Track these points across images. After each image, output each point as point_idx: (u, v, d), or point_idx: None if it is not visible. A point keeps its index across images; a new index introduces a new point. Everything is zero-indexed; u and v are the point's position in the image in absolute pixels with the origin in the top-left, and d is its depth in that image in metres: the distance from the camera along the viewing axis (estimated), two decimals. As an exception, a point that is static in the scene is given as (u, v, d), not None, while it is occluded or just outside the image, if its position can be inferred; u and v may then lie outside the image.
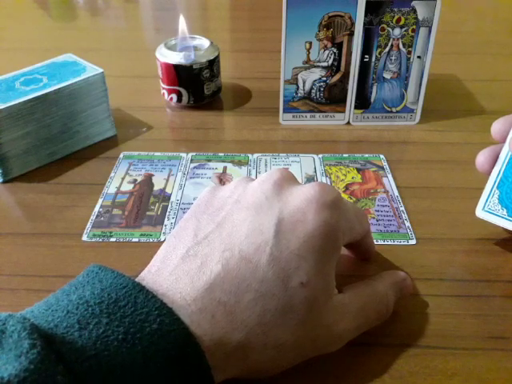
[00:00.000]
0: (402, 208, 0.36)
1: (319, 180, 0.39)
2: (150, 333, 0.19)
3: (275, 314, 0.22)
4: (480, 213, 0.31)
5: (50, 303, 0.20)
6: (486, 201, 0.31)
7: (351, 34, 0.42)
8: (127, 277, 0.21)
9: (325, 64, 0.44)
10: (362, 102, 0.45)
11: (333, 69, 0.44)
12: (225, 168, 0.40)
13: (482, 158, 0.31)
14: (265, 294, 0.22)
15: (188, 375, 0.19)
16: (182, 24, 0.48)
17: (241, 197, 0.25)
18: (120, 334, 0.19)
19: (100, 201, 0.37)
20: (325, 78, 0.44)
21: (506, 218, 0.30)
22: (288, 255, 0.22)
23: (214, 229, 0.23)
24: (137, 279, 0.22)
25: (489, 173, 0.31)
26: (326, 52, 0.43)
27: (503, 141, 0.30)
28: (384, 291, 0.26)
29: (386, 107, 0.46)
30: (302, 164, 0.41)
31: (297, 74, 0.44)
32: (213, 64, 0.47)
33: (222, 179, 0.39)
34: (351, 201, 0.37)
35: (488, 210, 0.31)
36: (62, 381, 0.17)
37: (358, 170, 0.40)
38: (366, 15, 0.41)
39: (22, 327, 0.18)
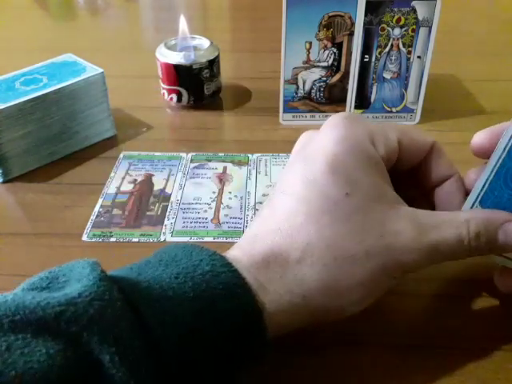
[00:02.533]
0: (402, 208, 0.36)
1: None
2: (201, 273, 0.21)
3: (333, 226, 0.22)
4: None
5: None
6: None
7: (351, 34, 0.42)
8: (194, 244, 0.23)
9: (325, 64, 0.44)
10: (362, 102, 0.45)
11: (333, 69, 0.44)
12: (225, 168, 0.40)
13: (480, 139, 0.26)
14: (314, 214, 0.22)
15: (236, 315, 0.20)
16: (183, 24, 0.48)
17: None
18: (173, 274, 0.21)
19: (100, 201, 0.37)
20: (325, 78, 0.44)
21: None
22: (322, 176, 0.23)
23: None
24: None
25: (487, 156, 0.26)
26: (326, 52, 0.43)
27: (486, 157, 0.26)
28: (466, 219, 0.24)
29: (385, 107, 0.46)
30: (302, 164, 0.41)
31: (297, 74, 0.44)
32: (213, 64, 0.47)
33: (222, 179, 0.39)
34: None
35: None
36: (119, 297, 0.19)
37: (358, 170, 0.40)
38: (365, 15, 0.41)
39: (91, 264, 0.20)
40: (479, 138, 0.26)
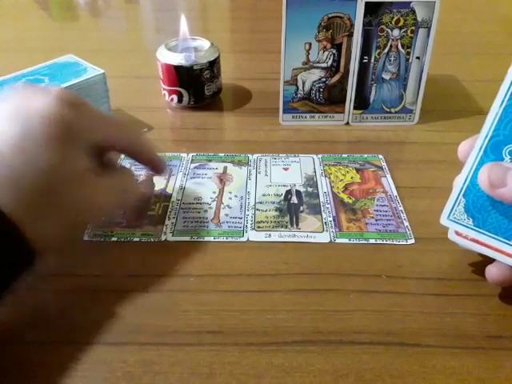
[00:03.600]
0: (401, 208, 0.36)
1: (319, 180, 0.39)
2: None
3: (28, 192, 0.25)
4: (445, 221, 0.30)
5: None
6: (452, 209, 0.29)
7: (350, 35, 0.42)
8: None
9: (324, 65, 0.44)
10: (361, 103, 0.46)
11: (332, 69, 0.44)
12: (225, 168, 0.40)
13: (465, 147, 0.29)
14: (14, 174, 0.25)
15: None
16: (183, 25, 0.48)
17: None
18: None
19: (101, 201, 0.37)
20: (324, 79, 0.45)
21: (472, 228, 0.28)
22: (29, 143, 0.25)
23: None
24: None
25: None
26: (326, 53, 0.43)
27: None
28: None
29: (384, 108, 0.46)
30: (302, 164, 0.41)
31: (296, 75, 0.44)
32: (213, 65, 0.47)
33: (223, 179, 0.39)
34: (350, 201, 0.37)
35: (453, 219, 0.29)
36: None
37: (357, 170, 0.40)
38: (365, 16, 0.41)
39: None
40: (463, 146, 0.30)
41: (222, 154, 0.42)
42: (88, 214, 0.29)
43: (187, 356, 0.26)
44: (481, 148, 0.28)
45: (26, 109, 0.26)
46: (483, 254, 0.29)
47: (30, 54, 0.60)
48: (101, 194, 0.29)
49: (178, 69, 0.46)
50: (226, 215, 0.35)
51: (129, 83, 0.53)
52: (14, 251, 0.24)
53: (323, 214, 0.35)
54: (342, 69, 0.44)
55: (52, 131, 0.26)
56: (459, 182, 0.29)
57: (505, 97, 0.27)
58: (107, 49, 0.63)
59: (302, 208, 0.36)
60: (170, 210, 0.36)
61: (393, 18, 0.41)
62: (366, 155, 0.42)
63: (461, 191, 0.29)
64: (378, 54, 0.43)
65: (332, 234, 0.34)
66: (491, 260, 0.28)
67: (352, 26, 0.42)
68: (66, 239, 0.27)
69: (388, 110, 0.46)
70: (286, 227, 0.34)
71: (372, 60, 0.43)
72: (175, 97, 0.48)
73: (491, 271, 0.28)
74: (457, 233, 0.29)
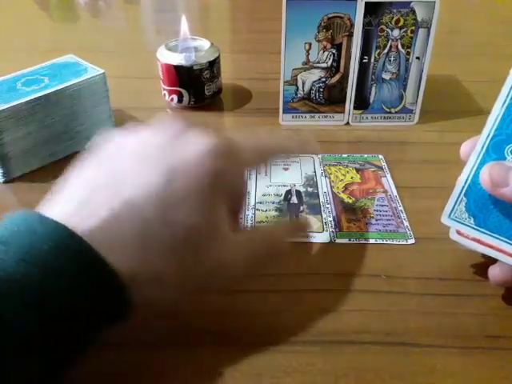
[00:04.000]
0: (401, 208, 0.36)
1: (319, 180, 0.39)
2: (46, 250, 0.20)
3: (158, 248, 0.22)
4: (446, 220, 0.29)
5: None
6: (453, 208, 0.29)
7: (350, 35, 0.42)
8: (26, 210, 0.22)
9: (324, 65, 0.44)
10: (361, 103, 0.46)
11: (332, 70, 0.44)
12: (225, 168, 0.40)
13: (467, 148, 0.29)
14: (147, 229, 0.22)
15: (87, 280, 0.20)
16: (184, 25, 0.48)
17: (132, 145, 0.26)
18: (17, 254, 0.20)
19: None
20: (324, 79, 0.45)
21: (473, 227, 0.28)
22: (170, 199, 0.23)
23: (108, 176, 0.24)
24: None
25: None
26: (326, 53, 0.43)
27: None
28: (277, 234, 0.28)
29: (384, 108, 0.46)
30: (302, 164, 0.41)
31: (296, 75, 0.44)
32: (213, 65, 0.47)
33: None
34: (350, 201, 0.37)
35: (454, 218, 0.29)
36: None
37: (357, 170, 0.40)
38: (365, 16, 0.41)
39: None
40: (465, 147, 0.29)
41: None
42: (221, 280, 0.25)
43: (188, 356, 0.26)
44: (483, 147, 0.28)
45: (176, 157, 0.24)
46: (485, 254, 0.29)
47: (30, 54, 0.60)
48: (241, 258, 0.25)
49: (178, 69, 0.46)
50: (226, 215, 0.35)
51: (129, 83, 0.53)
52: (112, 308, 0.21)
53: (323, 214, 0.35)
54: (341, 69, 0.44)
55: (202, 184, 0.23)
56: (460, 181, 0.29)
57: (507, 96, 0.27)
58: (107, 49, 0.63)
59: (302, 208, 0.36)
60: (169, 209, 0.36)
61: (393, 18, 0.41)
62: (366, 155, 0.42)
63: (462, 190, 0.29)
64: (378, 54, 0.43)
65: (332, 234, 0.34)
66: (493, 260, 0.28)
67: (352, 26, 0.42)
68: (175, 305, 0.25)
69: (388, 110, 0.46)
70: (286, 227, 0.34)
71: (372, 60, 0.43)
72: (175, 97, 0.48)
73: (494, 272, 0.28)
74: (458, 232, 0.29)
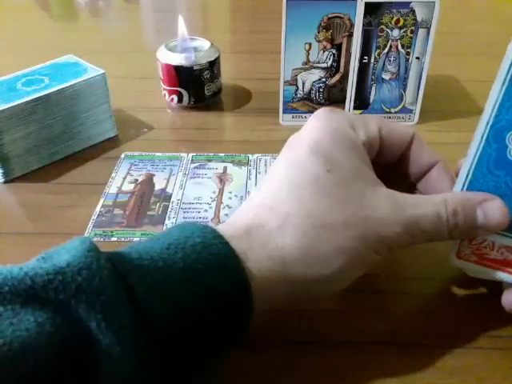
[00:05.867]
0: (401, 208, 0.36)
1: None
2: (192, 244, 0.21)
3: (313, 198, 0.23)
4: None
5: None
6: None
7: (350, 36, 0.42)
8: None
9: (324, 65, 0.44)
10: (361, 103, 0.46)
11: (332, 70, 0.44)
12: (225, 168, 0.40)
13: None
14: (296, 188, 0.23)
15: (226, 286, 0.21)
16: (181, 25, 0.48)
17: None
18: (164, 245, 0.21)
19: (101, 201, 0.37)
20: (324, 79, 0.45)
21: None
22: (304, 156, 0.24)
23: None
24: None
25: None
26: (326, 53, 0.43)
27: None
28: (444, 198, 0.24)
29: (384, 108, 0.46)
30: (302, 164, 0.41)
31: (296, 75, 0.44)
32: (213, 65, 0.47)
33: (223, 179, 0.39)
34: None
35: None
36: (108, 266, 0.19)
37: (358, 171, 0.40)
38: (365, 16, 0.41)
39: (83, 240, 0.20)
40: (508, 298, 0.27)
41: (222, 154, 0.42)
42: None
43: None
44: (482, 137, 0.25)
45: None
46: (491, 277, 0.27)
47: (30, 53, 0.60)
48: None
49: (178, 69, 0.46)
50: (226, 215, 0.35)
51: (129, 83, 0.53)
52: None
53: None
54: (341, 69, 0.44)
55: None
56: (460, 176, 0.26)
57: (505, 78, 0.25)
58: (107, 49, 0.63)
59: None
60: (169, 209, 0.36)
61: (392, 18, 0.41)
62: (365, 155, 0.42)
63: (463, 185, 0.26)
64: (378, 54, 0.43)
65: (332, 234, 0.34)
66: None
67: (352, 26, 0.42)
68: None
69: (388, 110, 0.46)
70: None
71: (372, 60, 0.43)
72: (175, 97, 0.48)
73: (509, 299, 0.27)
74: (458, 255, 0.28)
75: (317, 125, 0.25)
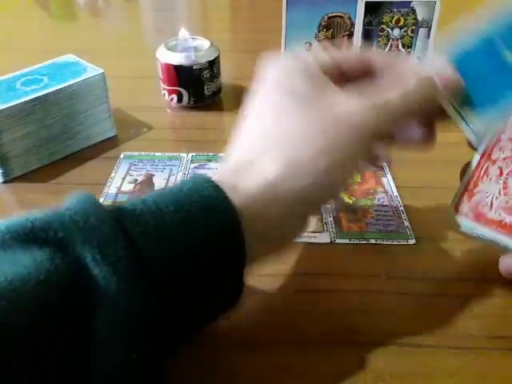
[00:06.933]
0: (402, 208, 0.36)
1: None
2: (184, 189, 0.22)
3: (286, 118, 0.24)
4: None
5: None
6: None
7: (351, 35, 0.42)
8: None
9: (324, 64, 0.44)
10: (362, 103, 0.45)
11: (332, 69, 0.44)
12: (225, 168, 0.40)
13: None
14: (266, 119, 0.25)
15: (215, 226, 0.21)
16: (183, 31, 0.48)
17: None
18: (158, 193, 0.22)
19: (101, 201, 0.37)
20: (324, 79, 0.44)
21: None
22: (270, 94, 0.27)
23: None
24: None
25: None
26: (326, 52, 0.43)
27: None
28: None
29: (385, 107, 0.46)
30: (302, 164, 0.41)
31: (296, 75, 0.44)
32: (213, 64, 0.47)
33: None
34: (350, 201, 0.37)
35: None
36: (102, 208, 0.20)
37: (358, 170, 0.40)
38: (365, 16, 0.41)
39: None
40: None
41: (222, 154, 0.42)
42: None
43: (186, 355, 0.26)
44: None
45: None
46: (486, 238, 0.28)
47: (30, 53, 0.60)
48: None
49: (177, 68, 0.46)
50: (226, 215, 0.35)
51: (128, 83, 0.53)
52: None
53: (323, 213, 0.35)
54: (342, 68, 0.44)
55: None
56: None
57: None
58: (107, 49, 0.63)
59: (302, 208, 0.36)
60: (169, 209, 0.36)
61: (393, 17, 0.41)
62: (366, 155, 0.42)
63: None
64: (378, 54, 0.43)
65: (332, 234, 0.34)
66: (495, 257, 0.28)
67: (352, 25, 0.42)
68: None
69: (388, 109, 0.46)
70: (286, 227, 0.34)
71: (372, 60, 0.43)
72: (175, 96, 0.48)
73: (506, 262, 0.28)
74: (456, 210, 0.28)
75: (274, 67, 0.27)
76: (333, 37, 0.42)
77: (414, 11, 0.41)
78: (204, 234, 0.21)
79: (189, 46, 0.48)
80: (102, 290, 0.18)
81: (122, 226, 0.20)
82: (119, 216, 0.20)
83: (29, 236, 0.19)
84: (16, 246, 0.18)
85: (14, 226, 0.19)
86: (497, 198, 0.27)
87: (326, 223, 0.34)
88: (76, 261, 0.18)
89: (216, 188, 0.22)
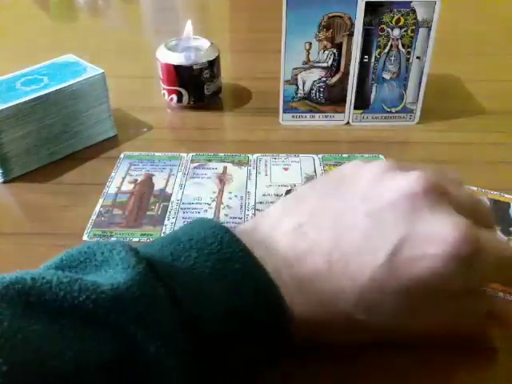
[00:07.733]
0: (402, 208, 0.36)
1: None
2: (233, 271, 0.21)
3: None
4: None
5: (147, 243, 0.23)
6: None
7: (351, 35, 0.42)
8: (216, 220, 0.23)
9: (324, 64, 0.44)
10: (362, 103, 0.45)
11: (332, 69, 0.44)
12: (225, 168, 0.40)
13: None
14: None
15: (266, 315, 0.21)
16: (189, 28, 0.48)
17: (371, 198, 0.23)
18: (207, 268, 0.21)
19: (100, 201, 0.37)
20: (324, 79, 0.44)
21: None
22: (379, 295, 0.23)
23: (332, 219, 0.23)
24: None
25: None
26: (326, 52, 0.43)
27: None
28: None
29: (385, 107, 0.46)
30: (302, 164, 0.41)
31: (296, 75, 0.44)
32: (213, 64, 0.47)
33: (222, 179, 0.39)
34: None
35: None
36: (164, 294, 0.19)
37: (358, 170, 0.40)
38: (365, 16, 0.41)
39: (128, 248, 0.20)
40: None
41: (222, 154, 0.42)
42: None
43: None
44: None
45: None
46: None
47: (29, 53, 0.60)
48: None
49: (177, 68, 0.46)
50: (226, 215, 0.35)
51: (128, 83, 0.53)
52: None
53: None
54: (342, 68, 0.44)
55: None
56: None
57: None
58: (107, 48, 0.63)
59: (302, 208, 0.36)
60: (169, 210, 0.36)
61: (393, 17, 0.41)
62: (366, 155, 0.42)
63: None
64: (379, 54, 0.43)
65: (332, 234, 0.33)
66: None
67: (352, 25, 0.42)
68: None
69: (388, 109, 0.46)
70: (286, 227, 0.34)
71: (372, 60, 0.43)
72: (175, 96, 0.48)
73: None
74: None
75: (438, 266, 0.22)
76: (333, 37, 0.42)
77: (414, 11, 0.41)
78: (253, 321, 0.21)
79: (189, 46, 0.49)
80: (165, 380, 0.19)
81: (181, 309, 0.20)
82: (177, 294, 0.20)
83: (90, 314, 0.18)
84: (76, 318, 0.18)
85: (73, 299, 0.18)
86: None
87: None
88: (137, 343, 0.18)
89: (267, 276, 0.21)
